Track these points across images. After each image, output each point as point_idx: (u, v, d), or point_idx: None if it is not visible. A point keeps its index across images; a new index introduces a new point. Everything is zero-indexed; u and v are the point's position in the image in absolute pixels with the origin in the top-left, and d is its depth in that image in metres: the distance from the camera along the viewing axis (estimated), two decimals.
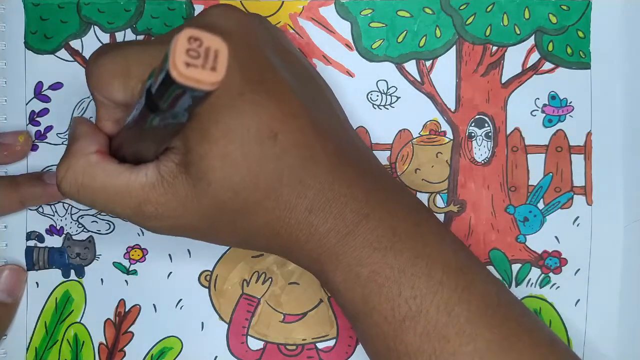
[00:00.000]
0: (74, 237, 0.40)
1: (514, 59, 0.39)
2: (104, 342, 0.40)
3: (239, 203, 0.30)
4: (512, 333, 0.31)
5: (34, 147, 0.40)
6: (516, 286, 0.39)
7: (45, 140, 0.40)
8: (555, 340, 0.33)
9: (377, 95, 0.39)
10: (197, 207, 0.30)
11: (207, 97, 0.24)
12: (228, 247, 0.40)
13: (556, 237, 0.39)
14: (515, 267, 0.39)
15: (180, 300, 0.40)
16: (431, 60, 0.39)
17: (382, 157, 0.39)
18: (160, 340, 0.40)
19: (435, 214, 0.38)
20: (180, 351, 0.40)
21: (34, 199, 0.39)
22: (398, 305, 0.31)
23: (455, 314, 0.30)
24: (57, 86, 0.40)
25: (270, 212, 0.31)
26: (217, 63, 0.22)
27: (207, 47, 0.22)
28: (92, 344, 0.40)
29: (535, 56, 0.39)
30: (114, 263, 0.40)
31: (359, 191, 0.32)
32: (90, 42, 0.40)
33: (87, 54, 0.40)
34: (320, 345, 0.40)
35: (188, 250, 0.40)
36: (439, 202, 0.39)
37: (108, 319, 0.40)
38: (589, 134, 0.39)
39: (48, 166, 0.40)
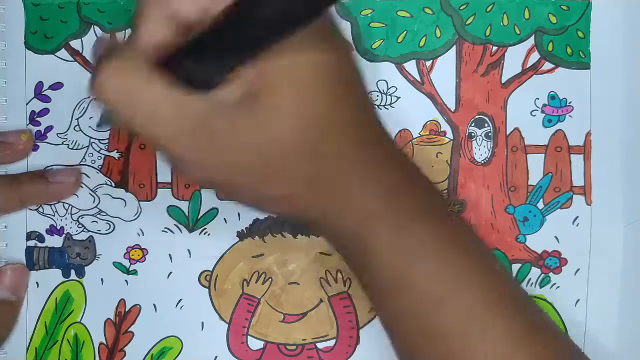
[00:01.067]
0: (74, 237, 0.40)
1: (514, 59, 0.39)
2: (104, 342, 0.40)
3: (310, 137, 0.28)
4: (542, 321, 0.32)
5: (34, 147, 0.40)
6: None
7: (45, 140, 0.40)
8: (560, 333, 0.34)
9: (377, 95, 0.39)
10: (259, 144, 0.27)
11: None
12: (228, 247, 0.40)
13: (556, 237, 0.39)
14: (515, 267, 0.39)
15: (181, 300, 0.40)
16: (431, 60, 0.39)
17: None
18: (161, 340, 0.40)
19: None
20: (180, 351, 0.40)
21: (35, 198, 0.39)
22: (437, 280, 0.30)
23: (488, 304, 0.30)
24: (57, 86, 0.40)
25: (334, 155, 0.29)
26: None
27: None
28: (92, 343, 0.40)
29: (535, 56, 0.39)
30: (114, 263, 0.40)
31: (401, 158, 0.32)
32: (90, 42, 0.40)
33: (87, 54, 0.40)
34: (320, 345, 0.40)
35: (188, 250, 0.40)
36: None
37: (108, 318, 0.40)
38: (588, 134, 0.39)
39: (48, 166, 0.40)
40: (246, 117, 0.27)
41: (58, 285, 0.40)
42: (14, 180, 0.39)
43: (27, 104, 0.40)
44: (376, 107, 0.34)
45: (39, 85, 0.40)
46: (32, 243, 0.40)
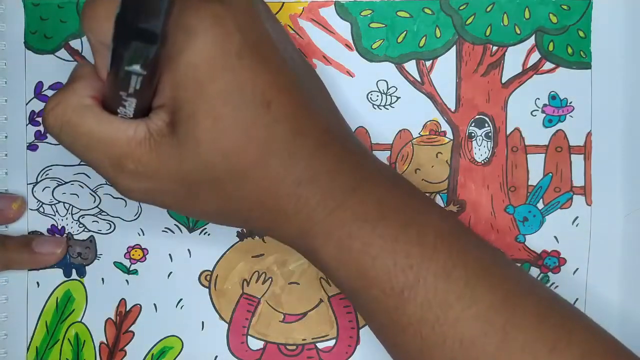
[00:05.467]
0: (75, 237, 0.40)
1: (514, 59, 0.39)
2: (105, 341, 0.40)
3: (226, 168, 0.29)
4: (512, 291, 0.31)
5: (34, 147, 0.40)
6: None
7: (45, 140, 0.40)
8: (556, 296, 0.33)
9: (377, 96, 0.39)
10: (180, 170, 0.29)
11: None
12: (228, 248, 0.40)
13: (555, 237, 0.39)
14: None
15: (181, 300, 0.40)
16: (431, 61, 0.39)
17: (382, 157, 0.39)
18: (161, 340, 0.40)
19: None
20: (181, 351, 0.40)
21: (19, 264, 0.40)
22: (395, 276, 0.30)
23: (454, 278, 0.30)
24: (57, 86, 0.40)
25: (257, 181, 0.30)
26: None
27: None
28: (93, 343, 0.40)
29: (535, 56, 0.39)
30: (114, 263, 0.40)
31: (346, 166, 0.31)
32: None
33: (87, 54, 0.40)
34: (320, 345, 0.40)
35: (188, 250, 0.40)
36: (439, 202, 0.39)
37: (109, 318, 0.40)
38: (589, 134, 0.39)
39: (48, 166, 0.40)
40: (168, 146, 0.29)
41: (59, 285, 0.40)
42: (1, 244, 0.39)
43: (26, 104, 0.40)
44: (328, 113, 0.34)
45: (39, 85, 0.40)
46: None
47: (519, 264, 0.39)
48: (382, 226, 0.31)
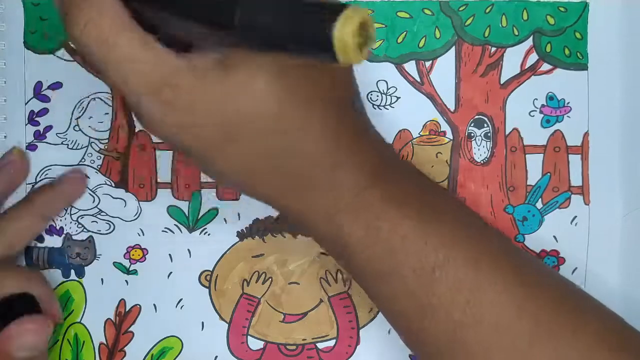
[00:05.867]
0: (74, 237, 0.40)
1: (513, 59, 0.39)
2: (105, 342, 0.40)
3: (272, 120, 0.27)
4: (537, 278, 0.32)
5: (33, 147, 0.40)
6: None
7: (44, 140, 0.40)
8: (568, 280, 0.34)
9: (377, 96, 0.39)
10: (223, 109, 0.27)
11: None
12: (228, 248, 0.40)
13: (554, 237, 0.39)
14: None
15: (181, 300, 0.40)
16: (431, 61, 0.39)
17: None
18: (161, 340, 0.40)
19: None
20: (181, 351, 0.40)
21: (51, 206, 0.39)
22: (425, 255, 0.30)
23: (483, 264, 0.31)
24: (56, 86, 0.40)
25: (301, 147, 0.29)
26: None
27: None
28: (93, 344, 0.40)
29: (533, 57, 0.39)
30: (114, 263, 0.40)
31: (374, 154, 0.32)
32: None
33: None
34: (320, 345, 0.40)
35: (188, 250, 0.40)
36: None
37: (108, 318, 0.40)
38: (586, 135, 0.39)
39: (47, 166, 0.40)
40: (214, 83, 0.27)
41: (58, 285, 0.40)
42: (27, 202, 0.39)
43: (26, 104, 0.40)
44: (362, 110, 0.34)
45: (38, 85, 0.40)
46: (32, 243, 0.40)
47: None
48: (409, 208, 0.31)
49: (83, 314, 0.40)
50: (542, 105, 0.39)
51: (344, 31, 0.21)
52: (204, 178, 0.40)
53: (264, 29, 0.23)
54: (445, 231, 0.31)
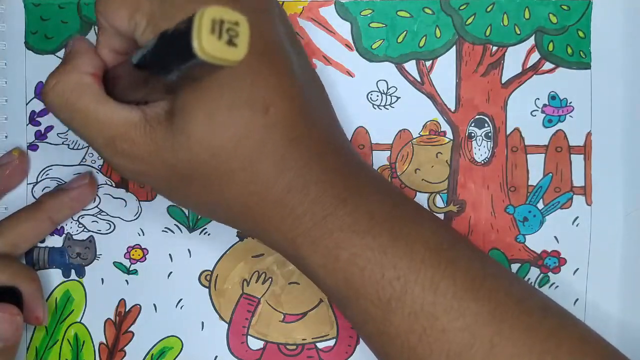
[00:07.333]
0: (74, 237, 0.40)
1: (514, 59, 0.39)
2: (105, 341, 0.40)
3: (214, 167, 0.29)
4: (501, 304, 0.30)
5: (34, 147, 0.40)
6: None
7: (45, 140, 0.40)
8: (549, 306, 0.32)
9: (377, 96, 0.39)
10: (172, 160, 0.30)
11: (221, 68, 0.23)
12: (228, 248, 0.40)
13: (555, 237, 0.39)
14: (515, 267, 0.39)
15: (181, 300, 0.40)
16: (431, 61, 0.39)
17: (382, 157, 0.39)
18: (161, 340, 0.40)
19: (435, 214, 0.38)
20: (181, 351, 0.40)
21: (60, 211, 0.39)
22: (382, 287, 0.30)
23: (441, 291, 0.30)
24: None
25: (245, 185, 0.30)
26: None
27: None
28: (93, 343, 0.40)
29: (535, 56, 0.39)
30: (114, 263, 0.40)
31: (338, 178, 0.31)
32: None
33: None
34: (320, 345, 0.40)
35: (188, 250, 0.40)
36: (439, 202, 0.39)
37: (108, 318, 0.40)
38: (588, 134, 0.39)
39: (48, 166, 0.40)
40: (163, 132, 0.29)
41: (58, 285, 0.40)
42: (38, 204, 0.39)
43: (27, 104, 0.40)
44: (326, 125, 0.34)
45: (39, 85, 0.40)
46: None
47: (518, 265, 0.39)
48: (370, 238, 0.31)
49: (83, 314, 0.40)
50: (544, 105, 0.39)
51: (197, 27, 0.21)
52: None
53: (152, 59, 0.25)
54: (404, 262, 0.30)
